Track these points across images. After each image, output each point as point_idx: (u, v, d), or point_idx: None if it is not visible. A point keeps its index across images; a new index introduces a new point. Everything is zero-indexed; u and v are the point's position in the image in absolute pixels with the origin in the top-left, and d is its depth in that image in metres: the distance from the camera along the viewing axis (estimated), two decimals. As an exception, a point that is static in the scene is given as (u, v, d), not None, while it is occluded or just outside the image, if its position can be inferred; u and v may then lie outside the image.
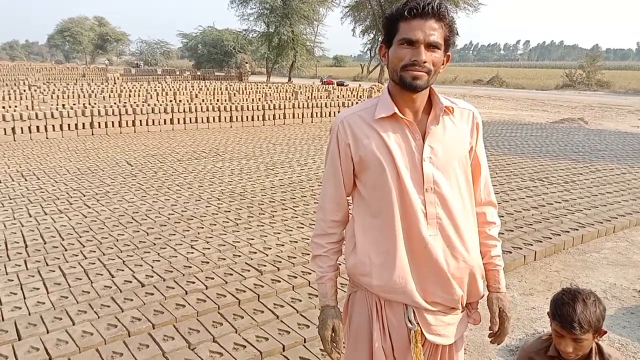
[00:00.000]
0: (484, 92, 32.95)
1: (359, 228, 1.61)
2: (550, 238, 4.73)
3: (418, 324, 1.56)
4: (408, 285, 1.54)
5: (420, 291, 1.55)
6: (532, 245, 4.55)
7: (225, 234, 4.68)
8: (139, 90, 18.94)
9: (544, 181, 7.08)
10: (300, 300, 3.42)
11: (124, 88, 19.70)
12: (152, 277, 3.74)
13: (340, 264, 1.69)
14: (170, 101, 15.60)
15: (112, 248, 4.32)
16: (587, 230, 5.00)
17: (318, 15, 42.90)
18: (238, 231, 4.78)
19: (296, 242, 4.52)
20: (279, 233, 4.72)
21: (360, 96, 20.39)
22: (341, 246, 1.71)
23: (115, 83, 24.51)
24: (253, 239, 4.55)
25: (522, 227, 5.00)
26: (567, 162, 8.66)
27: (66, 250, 4.26)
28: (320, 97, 19.45)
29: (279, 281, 3.69)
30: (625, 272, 4.25)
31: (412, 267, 1.54)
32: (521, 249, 4.46)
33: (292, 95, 19.04)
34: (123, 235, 4.64)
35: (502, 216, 5.34)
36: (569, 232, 4.92)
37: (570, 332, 1.87)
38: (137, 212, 5.31)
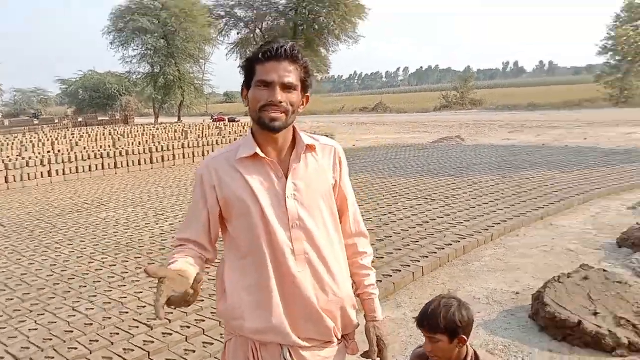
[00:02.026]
0: (369, 119, 34.51)
1: (229, 270, 1.61)
2: (436, 252, 4.98)
3: None
4: (282, 325, 1.54)
5: (293, 329, 1.55)
6: (419, 261, 4.75)
7: (111, 291, 4.40)
8: (13, 143, 17.55)
9: (427, 199, 7.49)
10: (194, 352, 3.28)
11: (-6, 142, 18.14)
12: (29, 349, 3.41)
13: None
14: (48, 152, 14.62)
15: (-21, 322, 3.89)
16: (468, 241, 5.33)
17: (204, 53, 42.73)
18: (125, 286, 4.52)
19: (188, 288, 4.36)
20: (170, 281, 4.52)
21: (252, 131, 20.44)
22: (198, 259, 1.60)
23: (-16, 138, 22.50)
24: (142, 292, 4.33)
25: (409, 245, 5.22)
26: (447, 178, 9.24)
27: None
28: (212, 134, 19.24)
29: (171, 334, 3.53)
30: (504, 276, 4.57)
31: (283, 305, 1.55)
32: (409, 266, 4.64)
33: (182, 135, 18.66)
34: (-7, 305, 4.20)
35: (391, 236, 5.55)
36: (451, 244, 5.21)
37: (422, 330, 1.96)
38: (11, 278, 4.86)
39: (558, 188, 7.76)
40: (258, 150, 1.54)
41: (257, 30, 35.50)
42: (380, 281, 4.32)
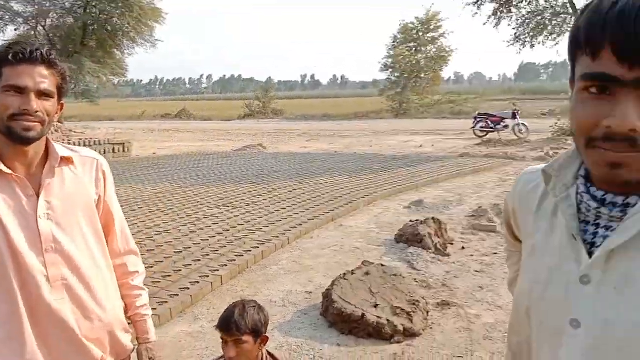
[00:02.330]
0: (172, 125, 33.49)
1: None
2: (235, 260, 5.01)
3: None
4: (35, 359, 1.37)
5: None
6: (218, 270, 4.73)
7: None
8: None
9: (228, 207, 7.51)
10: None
11: None
12: None
13: None
14: None
15: None
16: (266, 246, 5.47)
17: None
18: None
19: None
20: None
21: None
22: None
23: None
24: None
25: (208, 255, 5.16)
26: (248, 185, 9.38)
27: None
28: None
29: None
30: (299, 277, 4.78)
31: (37, 338, 1.37)
32: (208, 276, 4.58)
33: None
34: None
35: (190, 247, 5.43)
36: (250, 251, 5.29)
37: (229, 333, 1.98)
38: None
39: (347, 191, 8.44)
40: (1, 165, 1.35)
41: (40, 28, 31.82)
42: (177, 295, 4.20)
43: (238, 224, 6.41)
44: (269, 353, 2.16)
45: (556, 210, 0.86)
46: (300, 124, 33.20)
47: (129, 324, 1.63)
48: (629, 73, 0.67)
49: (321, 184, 9.35)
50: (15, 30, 34.27)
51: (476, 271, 4.82)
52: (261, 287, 4.56)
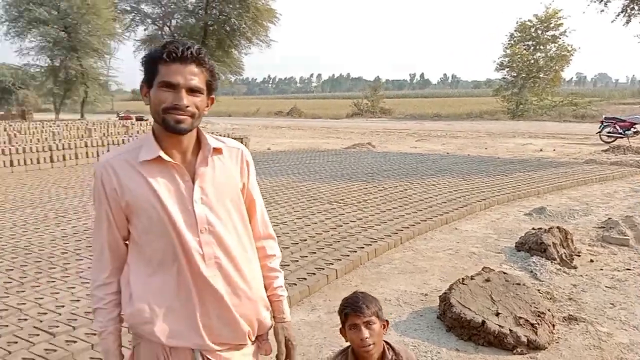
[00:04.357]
0: (284, 122, 34.62)
1: (134, 275, 1.55)
2: (348, 255, 5.09)
3: None
4: (193, 328, 1.51)
5: (207, 333, 1.53)
6: (332, 264, 4.84)
7: (8, 297, 4.07)
8: None
9: (340, 203, 7.64)
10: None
11: None
12: None
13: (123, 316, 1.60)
14: None
15: None
16: (379, 244, 5.49)
17: (109, 48, 40.59)
18: (24, 291, 4.19)
19: (94, 294, 4.13)
20: (73, 287, 4.26)
21: (162, 131, 19.73)
22: None
23: None
24: (42, 298, 4.03)
25: (323, 248, 5.30)
26: (359, 183, 9.47)
27: None
28: (118, 133, 18.39)
29: (75, 342, 3.32)
30: (413, 278, 4.76)
31: (202, 308, 1.52)
32: (323, 269, 4.71)
33: (85, 133, 17.66)
34: None
35: (305, 239, 5.60)
36: (363, 247, 5.35)
37: (361, 314, 2.05)
38: None
39: (461, 194, 8.22)
40: (162, 154, 1.50)
41: (166, 28, 34.29)
42: (295, 284, 4.35)
43: (350, 221, 6.50)
44: (387, 343, 2.20)
45: None
46: (409, 123, 32.78)
47: None
48: None
49: (433, 185, 9.19)
50: (145, 30, 37.22)
51: (607, 287, 4.49)
52: (375, 285, 4.59)
